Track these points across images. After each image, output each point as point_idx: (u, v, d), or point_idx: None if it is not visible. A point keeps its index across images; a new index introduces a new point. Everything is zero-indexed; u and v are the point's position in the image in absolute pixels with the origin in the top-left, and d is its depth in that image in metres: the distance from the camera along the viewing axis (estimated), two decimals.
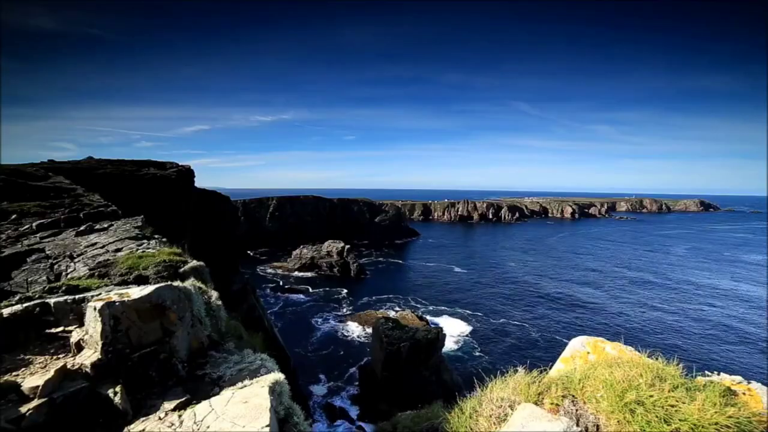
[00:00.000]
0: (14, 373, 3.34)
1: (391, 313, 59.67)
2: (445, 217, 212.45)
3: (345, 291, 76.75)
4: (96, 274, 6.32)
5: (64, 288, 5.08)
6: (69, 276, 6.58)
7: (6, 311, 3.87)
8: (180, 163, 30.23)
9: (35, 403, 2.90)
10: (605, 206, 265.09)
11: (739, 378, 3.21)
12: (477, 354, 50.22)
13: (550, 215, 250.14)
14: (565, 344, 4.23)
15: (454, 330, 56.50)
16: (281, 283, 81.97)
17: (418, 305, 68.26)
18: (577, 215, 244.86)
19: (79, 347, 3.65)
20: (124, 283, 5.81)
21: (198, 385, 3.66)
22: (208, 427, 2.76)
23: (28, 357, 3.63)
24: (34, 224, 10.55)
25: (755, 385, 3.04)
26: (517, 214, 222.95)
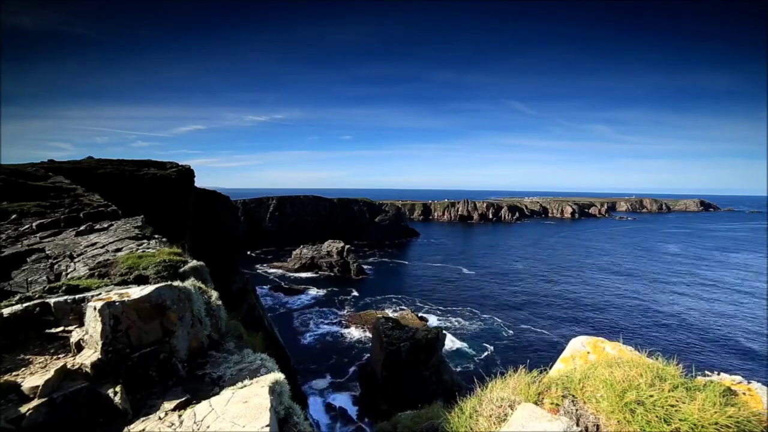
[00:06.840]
0: (14, 373, 3.34)
1: (391, 313, 59.69)
2: (445, 217, 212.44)
3: (345, 291, 76.74)
4: (96, 274, 6.31)
5: (64, 288, 5.08)
6: (69, 276, 6.58)
7: (6, 311, 3.87)
8: (180, 163, 30.25)
9: (35, 403, 2.90)
10: (605, 206, 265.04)
11: (739, 378, 3.20)
12: (477, 354, 50.23)
13: (550, 215, 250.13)
14: (565, 344, 4.23)
15: (454, 330, 56.58)
16: (281, 283, 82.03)
17: (418, 305, 68.26)
18: (577, 215, 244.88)
19: (79, 347, 3.65)
20: (124, 283, 5.81)
21: (198, 385, 3.66)
22: (208, 427, 2.76)
23: (28, 357, 3.63)
24: (34, 224, 10.55)
25: (755, 385, 3.04)
26: (517, 214, 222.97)
